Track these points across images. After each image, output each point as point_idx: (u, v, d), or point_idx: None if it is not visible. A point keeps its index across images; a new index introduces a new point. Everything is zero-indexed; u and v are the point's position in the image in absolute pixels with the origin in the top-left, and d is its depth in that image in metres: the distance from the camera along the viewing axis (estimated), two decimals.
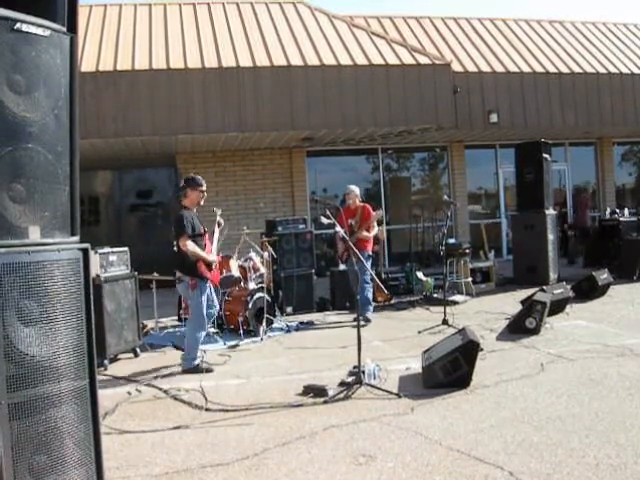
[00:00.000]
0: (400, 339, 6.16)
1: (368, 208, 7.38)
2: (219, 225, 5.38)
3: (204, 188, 5.31)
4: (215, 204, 11.94)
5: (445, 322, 6.48)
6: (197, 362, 5.04)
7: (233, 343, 6.28)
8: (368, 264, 7.18)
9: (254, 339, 6.42)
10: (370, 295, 7.13)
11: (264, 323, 6.58)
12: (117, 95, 9.41)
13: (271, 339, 6.45)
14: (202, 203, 5.64)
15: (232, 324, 6.77)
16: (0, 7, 2.24)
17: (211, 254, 5.06)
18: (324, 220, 5.56)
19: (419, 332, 6.34)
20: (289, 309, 7.81)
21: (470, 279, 8.91)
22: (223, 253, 7.59)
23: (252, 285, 6.98)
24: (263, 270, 7.16)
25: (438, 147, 13.44)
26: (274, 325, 6.89)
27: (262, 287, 6.82)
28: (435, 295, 8.43)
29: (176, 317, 7.26)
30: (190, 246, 4.95)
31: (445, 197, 7.47)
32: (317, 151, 12.57)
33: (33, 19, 2.35)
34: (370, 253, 7.37)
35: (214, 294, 5.11)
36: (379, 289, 8.04)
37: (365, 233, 7.18)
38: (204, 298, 4.98)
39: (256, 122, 9.94)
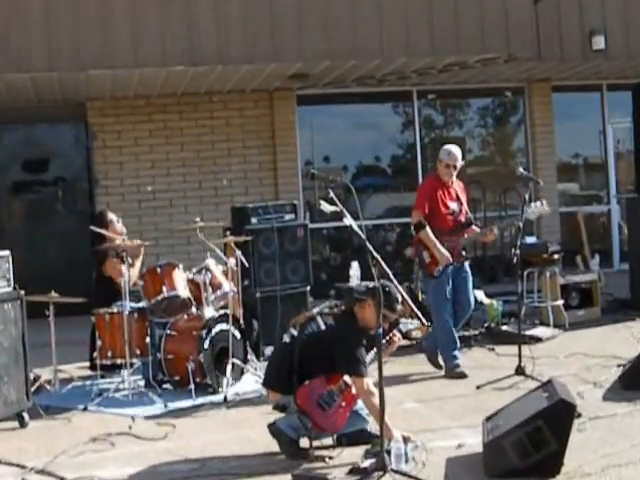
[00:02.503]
0: (448, 398, 6.14)
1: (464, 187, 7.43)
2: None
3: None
4: (150, 180, 12.00)
5: (520, 371, 6.49)
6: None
7: (179, 405, 6.26)
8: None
9: (213, 399, 6.41)
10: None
11: (229, 373, 6.56)
12: None
13: (241, 398, 6.43)
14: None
15: (177, 374, 6.76)
16: None
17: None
18: (326, 207, 5.56)
19: (478, 387, 6.35)
20: (269, 350, 7.77)
21: (561, 302, 8.91)
22: (165, 259, 7.58)
23: (209, 311, 6.97)
24: (227, 288, 7.16)
25: (509, 89, 13.43)
26: (246, 376, 6.86)
27: (226, 315, 6.82)
28: (504, 327, 8.43)
29: (87, 363, 7.25)
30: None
31: (520, 170, 7.45)
32: (314, 96, 12.57)
33: None
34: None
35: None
36: (412, 318, 8.01)
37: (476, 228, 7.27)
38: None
39: (217, 49, 9.92)
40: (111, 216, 7.48)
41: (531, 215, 7.05)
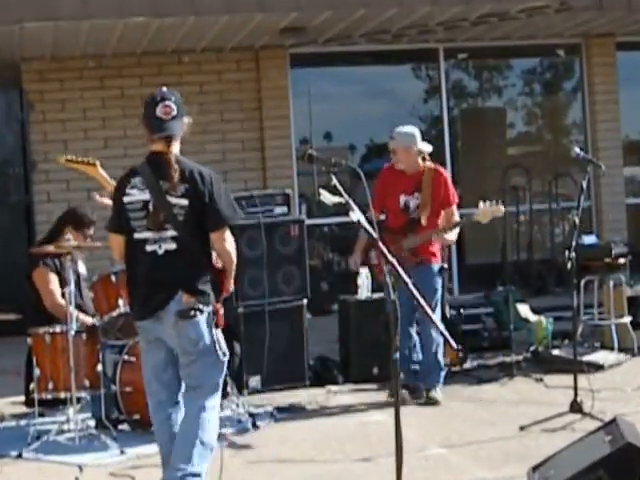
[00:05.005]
0: (483, 442, 6.14)
1: (445, 175, 7.57)
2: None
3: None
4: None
5: (576, 407, 6.49)
6: None
7: (139, 451, 6.25)
8: (439, 286, 7.36)
9: None
10: (441, 352, 7.45)
11: None
12: None
13: (218, 442, 6.42)
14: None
15: (136, 412, 6.74)
16: None
17: None
18: (328, 197, 5.56)
19: (522, 428, 6.35)
20: (254, 381, 7.85)
21: (628, 319, 8.90)
22: (121, 264, 7.56)
23: None
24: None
25: (562, 47, 13.42)
26: (225, 413, 6.85)
27: None
28: (555, 352, 8.42)
29: (22, 397, 7.25)
30: (233, 245, 5.18)
31: (576, 150, 7.45)
32: (313, 56, 12.59)
33: None
34: (443, 266, 7.51)
35: None
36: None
37: (447, 235, 7.38)
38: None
39: None
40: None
41: (480, 218, 7.26)
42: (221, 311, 4.96)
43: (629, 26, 12.45)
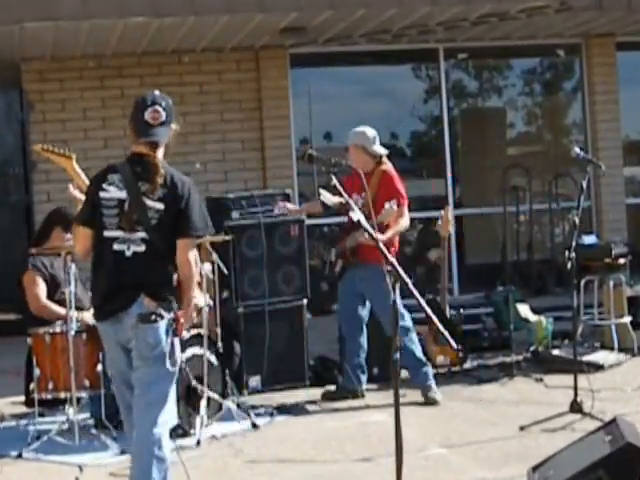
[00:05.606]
0: (483, 442, 6.15)
1: (391, 175, 7.60)
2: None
3: None
4: (103, 163, 11.91)
5: (576, 407, 6.50)
6: None
7: None
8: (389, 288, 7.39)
9: (183, 442, 6.36)
10: (419, 350, 7.52)
11: (203, 409, 6.58)
12: None
13: (218, 442, 6.45)
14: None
15: None
16: None
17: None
18: (328, 197, 5.57)
19: (522, 428, 6.36)
20: (254, 381, 7.86)
21: (628, 319, 8.90)
22: None
23: None
24: (201, 301, 7.15)
25: (562, 47, 13.41)
26: (225, 413, 6.89)
27: (199, 336, 6.83)
28: (555, 352, 8.42)
29: (22, 397, 7.24)
30: (195, 259, 5.16)
31: (576, 150, 7.46)
32: (313, 56, 12.58)
33: None
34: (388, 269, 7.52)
35: None
36: (437, 340, 8.04)
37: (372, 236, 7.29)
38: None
39: None
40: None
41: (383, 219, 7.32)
42: (182, 320, 4.92)
43: (629, 26, 12.45)
